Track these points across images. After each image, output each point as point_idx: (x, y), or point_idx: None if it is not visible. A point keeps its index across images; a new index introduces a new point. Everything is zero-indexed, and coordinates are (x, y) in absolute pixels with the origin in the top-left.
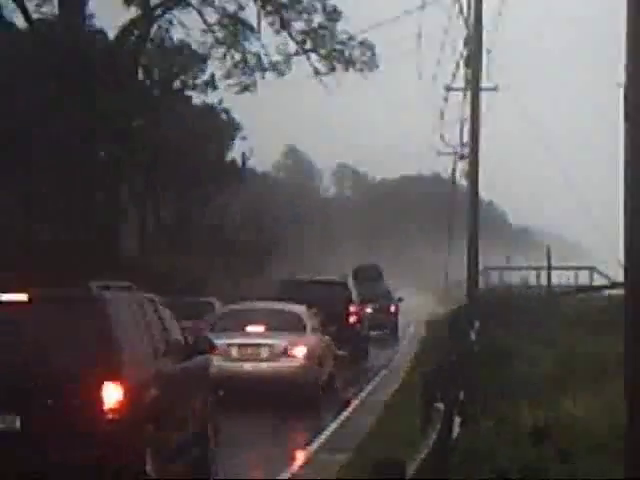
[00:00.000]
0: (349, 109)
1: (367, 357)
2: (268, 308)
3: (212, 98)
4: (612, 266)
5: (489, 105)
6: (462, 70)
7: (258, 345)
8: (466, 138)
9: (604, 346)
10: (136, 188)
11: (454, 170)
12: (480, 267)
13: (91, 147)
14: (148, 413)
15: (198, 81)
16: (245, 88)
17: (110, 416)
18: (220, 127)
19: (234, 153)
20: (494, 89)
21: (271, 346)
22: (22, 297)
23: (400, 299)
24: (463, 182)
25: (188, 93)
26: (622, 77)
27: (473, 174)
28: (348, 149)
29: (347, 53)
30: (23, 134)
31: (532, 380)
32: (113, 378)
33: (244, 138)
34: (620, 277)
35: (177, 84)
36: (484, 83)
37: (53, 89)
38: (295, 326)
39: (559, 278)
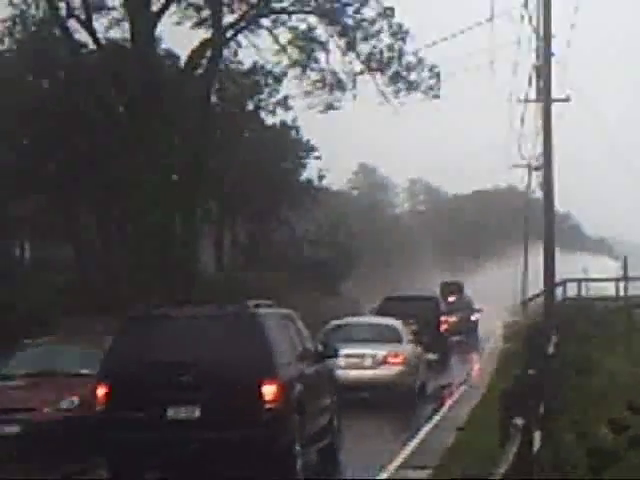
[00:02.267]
0: (420, 125)
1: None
2: (369, 322)
3: (284, 118)
4: None
5: (562, 116)
6: (534, 82)
7: (362, 355)
8: (540, 150)
9: None
10: (212, 209)
11: (529, 182)
12: (557, 279)
13: (168, 169)
14: (295, 405)
15: (272, 100)
16: (329, 106)
17: (268, 407)
18: (294, 146)
19: (308, 172)
20: (566, 100)
21: (373, 356)
22: (197, 312)
23: (480, 310)
24: (538, 194)
25: (262, 114)
26: None
27: (547, 185)
28: (421, 165)
29: (412, 76)
30: (102, 161)
31: (612, 393)
32: (270, 378)
33: (318, 157)
34: None
35: (250, 106)
36: (556, 94)
37: (125, 117)
38: (393, 338)
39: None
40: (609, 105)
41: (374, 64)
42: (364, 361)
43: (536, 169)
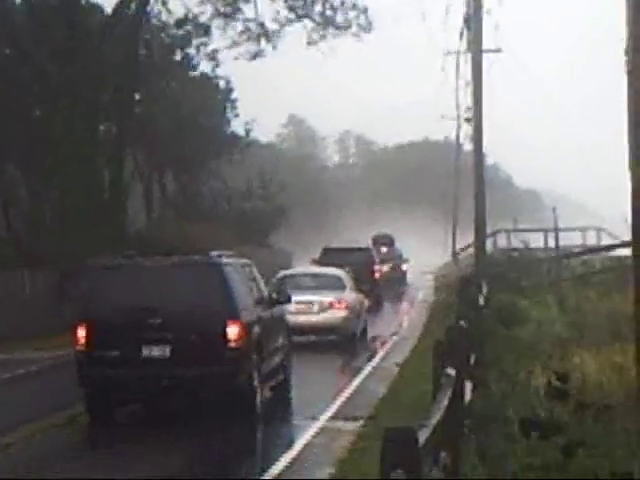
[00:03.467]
0: (351, 76)
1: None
2: (315, 272)
3: (210, 70)
4: (619, 227)
5: (492, 68)
6: (465, 33)
7: (310, 302)
8: (470, 101)
9: (614, 306)
10: (139, 163)
11: (458, 134)
12: (487, 230)
13: (92, 123)
14: (254, 345)
15: (201, 53)
16: (255, 55)
17: (232, 345)
18: (221, 99)
19: (235, 124)
20: (497, 51)
21: (320, 302)
22: (167, 262)
23: (407, 260)
24: (468, 146)
25: (190, 65)
26: (624, 32)
27: (477, 137)
28: (351, 116)
29: (341, 17)
30: (28, 113)
31: (543, 342)
32: (233, 320)
33: (237, 115)
34: (628, 237)
35: (177, 57)
36: (486, 45)
37: (51, 64)
38: (337, 286)
39: (567, 239)
40: (539, 57)
41: (299, 10)
42: (312, 307)
43: (466, 120)
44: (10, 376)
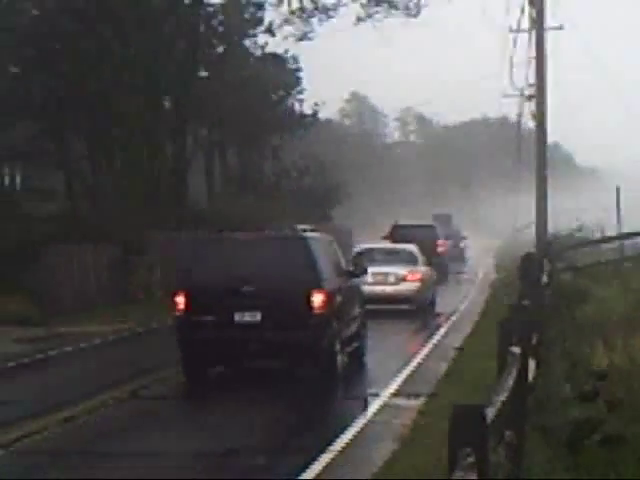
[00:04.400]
0: (411, 54)
1: (447, 277)
2: (390, 247)
3: (273, 48)
4: None
5: (556, 45)
6: (526, 10)
7: (386, 274)
8: (532, 79)
9: None
10: (201, 139)
11: (520, 112)
12: (549, 210)
13: (156, 96)
14: (336, 312)
15: (257, 30)
16: (303, 36)
17: (317, 312)
18: (286, 75)
19: (300, 101)
20: (560, 28)
21: (395, 274)
22: (259, 236)
23: (465, 237)
24: (530, 124)
25: (254, 44)
26: None
27: (540, 115)
28: (412, 94)
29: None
30: (89, 84)
31: (605, 322)
32: (318, 289)
33: (300, 92)
34: None
35: (236, 37)
36: (549, 22)
37: (115, 39)
38: (410, 260)
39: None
40: (602, 34)
41: None
42: (388, 278)
43: (528, 98)
44: (71, 349)
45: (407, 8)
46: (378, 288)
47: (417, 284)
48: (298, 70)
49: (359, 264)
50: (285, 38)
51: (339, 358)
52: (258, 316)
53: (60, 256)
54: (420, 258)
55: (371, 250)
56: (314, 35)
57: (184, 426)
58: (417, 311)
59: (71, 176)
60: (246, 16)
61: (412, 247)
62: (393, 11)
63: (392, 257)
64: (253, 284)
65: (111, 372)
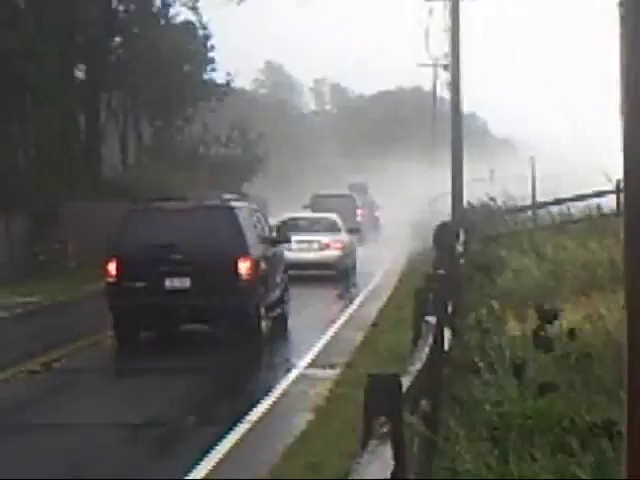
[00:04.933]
0: (325, 23)
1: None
2: (314, 217)
3: (187, 16)
4: (597, 178)
5: (471, 15)
6: None
7: (310, 241)
8: (447, 48)
9: (591, 255)
10: (115, 108)
11: (435, 82)
12: (464, 179)
13: (68, 65)
14: (260, 278)
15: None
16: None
17: (243, 277)
18: (198, 44)
19: (213, 70)
20: None
21: (319, 242)
22: (187, 205)
23: (379, 206)
24: (445, 95)
25: (167, 12)
26: None
27: (455, 84)
28: (327, 64)
29: None
30: (2, 57)
31: (521, 290)
32: (244, 256)
33: (212, 62)
34: (604, 187)
35: (157, 3)
36: None
37: (27, 6)
38: (333, 228)
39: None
40: (517, 4)
41: None
42: (312, 246)
43: (444, 67)
44: None
45: None
46: (303, 255)
47: (340, 252)
48: (209, 38)
49: (283, 232)
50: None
51: (264, 323)
52: (187, 282)
53: None
54: (342, 227)
55: (295, 219)
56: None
57: (99, 398)
58: (336, 278)
59: None
60: None
61: (334, 216)
62: None
63: (315, 225)
64: (182, 251)
65: (22, 345)
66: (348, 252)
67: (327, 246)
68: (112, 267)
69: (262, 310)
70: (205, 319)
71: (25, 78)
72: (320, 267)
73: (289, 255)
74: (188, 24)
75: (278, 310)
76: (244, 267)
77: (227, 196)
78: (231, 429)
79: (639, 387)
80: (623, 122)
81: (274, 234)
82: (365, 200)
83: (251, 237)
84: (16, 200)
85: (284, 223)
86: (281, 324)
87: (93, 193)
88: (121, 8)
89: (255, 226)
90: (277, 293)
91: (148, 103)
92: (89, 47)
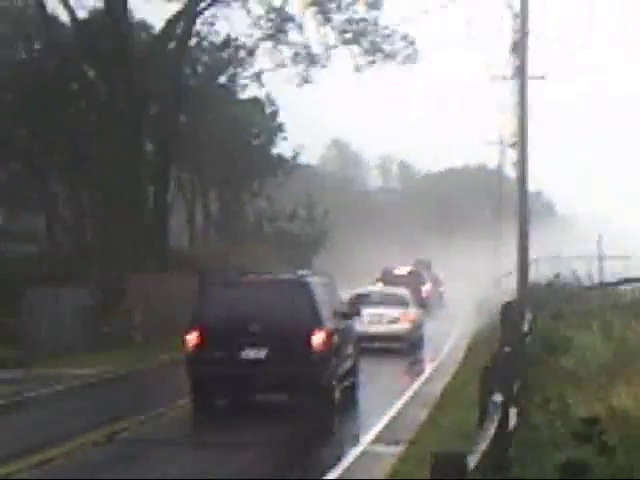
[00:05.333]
0: (393, 100)
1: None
2: (384, 291)
3: (257, 93)
4: None
5: (537, 94)
6: (510, 59)
7: (381, 314)
8: (515, 127)
9: None
10: (183, 182)
11: (502, 160)
12: (530, 258)
13: (138, 137)
14: (333, 350)
15: (246, 74)
16: (305, 80)
17: (318, 349)
18: (267, 120)
19: (282, 146)
20: (541, 77)
21: (389, 315)
22: (264, 279)
23: (442, 282)
24: (509, 173)
25: (235, 87)
26: None
27: (522, 164)
28: (394, 141)
29: (388, 47)
30: (76, 131)
31: (586, 371)
32: (318, 328)
33: (285, 138)
34: None
35: (223, 79)
36: (532, 72)
37: (99, 80)
38: (403, 302)
39: (609, 268)
40: (584, 83)
41: (349, 35)
42: (382, 319)
43: (511, 146)
44: (50, 392)
45: (405, 56)
46: (373, 328)
47: (409, 325)
48: (277, 114)
49: (354, 306)
50: (268, 85)
51: (336, 393)
52: (263, 353)
53: (40, 298)
54: (411, 301)
55: (367, 293)
56: (310, 81)
57: (165, 469)
58: (412, 348)
59: (52, 218)
60: (225, 58)
61: (404, 291)
62: (389, 60)
63: (386, 300)
64: (259, 323)
65: (89, 415)
66: (417, 325)
67: (397, 319)
68: (192, 337)
69: (334, 381)
70: (280, 388)
71: (96, 153)
72: (389, 340)
73: (361, 328)
74: (256, 99)
75: (350, 380)
76: (318, 339)
77: (302, 271)
78: None
79: None
80: None
81: (346, 308)
82: (430, 276)
83: (325, 310)
84: (85, 272)
85: (357, 296)
86: (351, 394)
87: (159, 266)
88: (191, 83)
89: (329, 299)
90: (348, 364)
91: (216, 177)
92: (159, 120)
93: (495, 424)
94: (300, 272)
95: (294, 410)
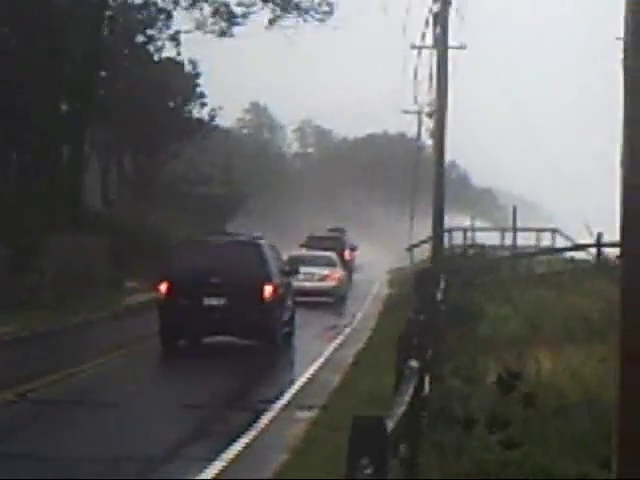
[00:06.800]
0: (313, 65)
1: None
2: (315, 254)
3: (174, 53)
4: (574, 228)
5: (456, 64)
6: (431, 27)
7: (313, 273)
8: (432, 96)
9: (568, 307)
10: (98, 142)
11: (419, 129)
12: (444, 227)
13: (54, 97)
14: (278, 301)
15: (163, 35)
16: (222, 33)
17: (267, 299)
18: (184, 82)
19: (197, 108)
20: (462, 47)
21: (319, 274)
22: (224, 239)
23: (354, 247)
24: (428, 141)
25: (153, 49)
26: (620, 31)
27: (439, 133)
28: (312, 106)
29: (305, 3)
30: None
31: (498, 340)
32: (268, 282)
33: (203, 97)
34: (582, 239)
35: (141, 39)
36: (452, 41)
37: (16, 40)
38: (330, 263)
39: (521, 239)
40: (504, 56)
41: None
42: (314, 277)
43: (428, 115)
44: None
45: (317, 12)
46: (307, 284)
47: (335, 282)
48: (197, 76)
49: (292, 265)
50: (203, 36)
51: (278, 334)
52: (222, 301)
53: None
54: (337, 263)
55: (300, 256)
56: (230, 34)
57: (74, 430)
58: (338, 301)
59: None
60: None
61: (331, 254)
62: (304, 16)
63: (316, 260)
64: (219, 276)
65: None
66: (342, 283)
67: (326, 277)
68: (163, 287)
69: (278, 326)
70: (235, 331)
71: (10, 108)
72: (319, 294)
73: (296, 284)
74: (174, 60)
75: (287, 329)
76: (268, 291)
77: (255, 234)
78: (205, 467)
79: (628, 430)
80: (622, 174)
81: (286, 267)
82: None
83: (273, 268)
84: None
85: (292, 258)
86: (289, 339)
87: (73, 225)
88: (107, 43)
89: (275, 260)
90: (287, 314)
91: (132, 138)
92: (75, 80)
93: (411, 389)
94: (255, 234)
95: (245, 348)
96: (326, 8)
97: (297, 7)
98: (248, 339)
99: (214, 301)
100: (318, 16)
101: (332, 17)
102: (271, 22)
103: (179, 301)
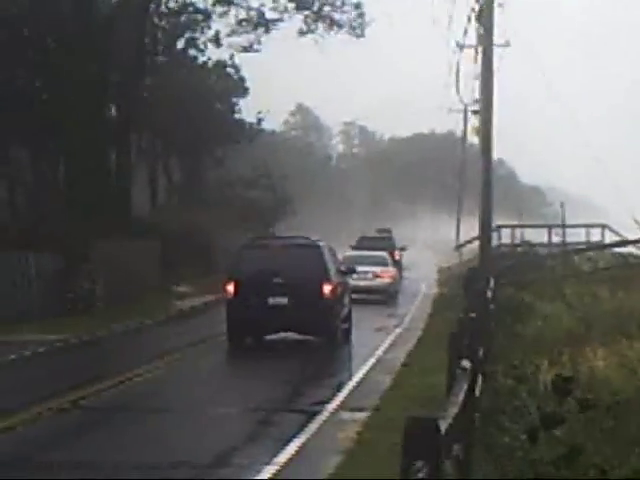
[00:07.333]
0: (358, 68)
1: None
2: (368, 254)
3: (218, 56)
4: (624, 223)
5: (501, 60)
6: (474, 26)
7: (366, 272)
8: (477, 94)
9: (620, 303)
10: (145, 148)
11: (465, 128)
12: (492, 225)
13: (100, 105)
14: (337, 299)
15: (203, 39)
16: (250, 46)
17: (326, 298)
18: (230, 85)
19: (245, 112)
20: (506, 45)
21: (373, 272)
22: (286, 242)
23: (403, 248)
24: (474, 140)
25: (192, 52)
26: None
27: (486, 131)
28: (357, 108)
29: (336, 16)
30: (37, 98)
31: (550, 337)
32: (327, 281)
33: (246, 100)
34: (633, 234)
35: (181, 44)
36: (496, 38)
37: (61, 48)
38: (383, 262)
39: (570, 236)
40: (550, 52)
41: (294, 3)
42: (367, 275)
43: (474, 113)
44: (14, 358)
45: (351, 27)
46: (361, 282)
47: (388, 280)
48: (242, 80)
49: (349, 265)
50: (230, 49)
51: (339, 331)
52: (285, 300)
53: (1, 265)
54: (389, 261)
55: (355, 256)
56: (260, 47)
57: (128, 437)
58: (391, 298)
59: (14, 184)
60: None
61: (383, 253)
62: (336, 29)
63: (369, 260)
64: (282, 277)
65: (49, 382)
66: (395, 280)
67: (379, 275)
68: (231, 287)
69: (338, 322)
70: (297, 328)
71: (58, 119)
72: (373, 291)
73: (351, 282)
74: (218, 63)
75: (346, 325)
76: (327, 289)
77: (314, 237)
78: (259, 470)
79: None
80: None
81: (343, 267)
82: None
83: (331, 268)
84: (49, 240)
85: (346, 258)
86: (348, 335)
87: (122, 231)
88: (150, 48)
89: (333, 260)
90: (345, 311)
91: (179, 144)
92: (121, 87)
93: (463, 389)
94: (315, 237)
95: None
96: (356, 25)
97: (331, 20)
98: (309, 335)
99: (278, 300)
100: (348, 31)
101: (363, 29)
102: (301, 33)
103: (246, 300)
